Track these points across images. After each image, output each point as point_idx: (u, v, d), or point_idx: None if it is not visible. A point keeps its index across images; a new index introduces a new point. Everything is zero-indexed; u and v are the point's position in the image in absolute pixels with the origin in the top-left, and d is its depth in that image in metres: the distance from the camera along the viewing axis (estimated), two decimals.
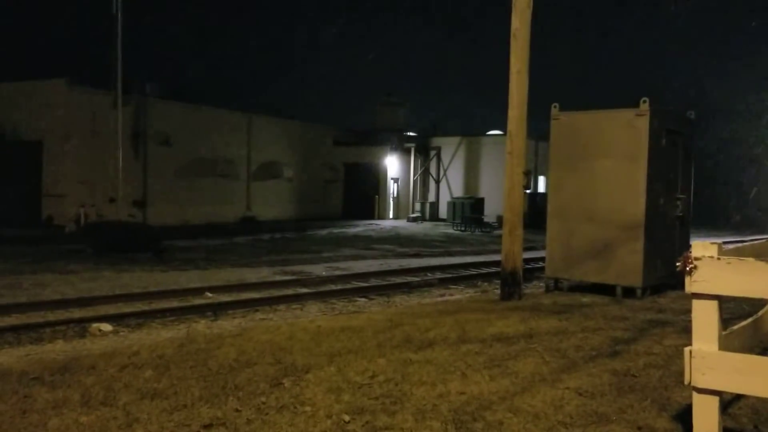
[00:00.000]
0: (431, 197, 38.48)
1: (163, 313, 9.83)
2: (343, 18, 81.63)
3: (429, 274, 14.91)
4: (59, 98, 24.91)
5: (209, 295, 11.52)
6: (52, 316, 9.59)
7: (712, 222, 33.56)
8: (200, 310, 10.13)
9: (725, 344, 3.53)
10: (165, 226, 23.98)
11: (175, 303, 10.71)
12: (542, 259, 12.72)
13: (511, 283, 9.75)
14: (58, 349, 7.58)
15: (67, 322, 9.07)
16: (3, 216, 22.68)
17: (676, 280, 10.16)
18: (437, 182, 38.72)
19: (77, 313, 9.75)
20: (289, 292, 12.11)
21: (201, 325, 9.17)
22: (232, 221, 30.17)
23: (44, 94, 25.14)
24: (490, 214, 31.67)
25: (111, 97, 22.89)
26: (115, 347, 6.90)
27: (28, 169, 24.64)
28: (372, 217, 35.85)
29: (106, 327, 8.84)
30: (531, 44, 9.70)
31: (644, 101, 9.84)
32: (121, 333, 8.70)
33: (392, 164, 37.23)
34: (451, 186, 37.95)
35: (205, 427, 4.21)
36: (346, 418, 4.37)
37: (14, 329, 8.62)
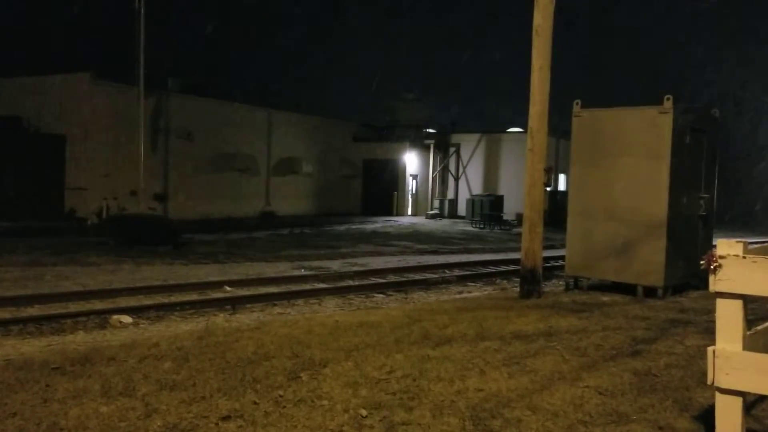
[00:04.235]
0: (450, 194, 38.36)
1: (182, 305, 9.90)
2: (364, 14, 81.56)
3: (447, 271, 14.86)
4: (83, 92, 25.14)
5: (228, 288, 11.58)
6: (73, 307, 9.70)
7: (736, 222, 33.13)
8: (219, 304, 10.18)
9: (750, 344, 3.47)
10: (185, 219, 24.15)
11: (194, 296, 10.77)
12: (562, 257, 12.63)
13: (530, 281, 9.69)
14: (79, 339, 7.67)
15: (88, 313, 9.15)
16: (26, 208, 22.94)
17: (698, 280, 10.10)
18: (456, 179, 38.59)
19: (98, 305, 9.84)
20: (307, 287, 12.13)
21: (220, 319, 9.22)
22: (251, 216, 30.29)
23: (68, 89, 25.39)
24: (509, 211, 31.52)
25: (134, 92, 23.03)
26: (135, 339, 6.96)
27: (52, 162, 24.87)
28: (390, 214, 35.82)
29: (127, 319, 8.92)
30: (553, 40, 9.62)
31: (668, 98, 9.70)
32: (141, 325, 8.77)
33: (411, 161, 37.17)
34: (470, 183, 37.81)
35: (223, 418, 4.23)
36: (364, 412, 4.37)
37: (36, 320, 8.73)
